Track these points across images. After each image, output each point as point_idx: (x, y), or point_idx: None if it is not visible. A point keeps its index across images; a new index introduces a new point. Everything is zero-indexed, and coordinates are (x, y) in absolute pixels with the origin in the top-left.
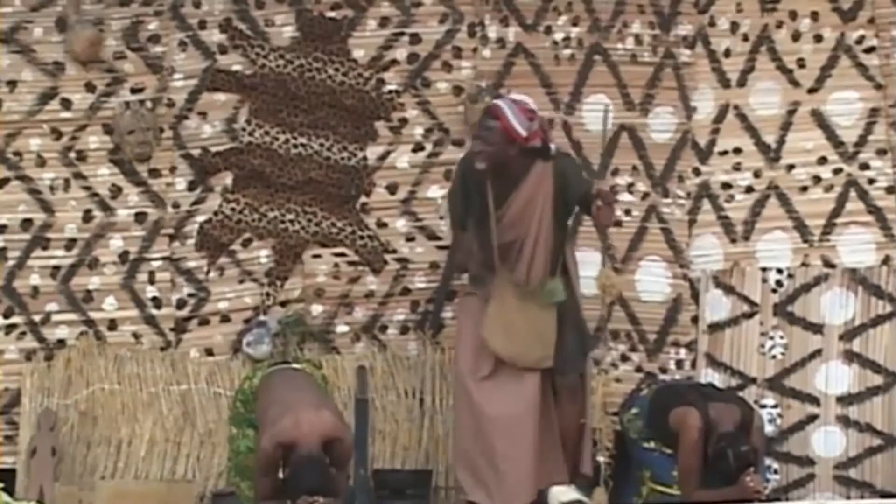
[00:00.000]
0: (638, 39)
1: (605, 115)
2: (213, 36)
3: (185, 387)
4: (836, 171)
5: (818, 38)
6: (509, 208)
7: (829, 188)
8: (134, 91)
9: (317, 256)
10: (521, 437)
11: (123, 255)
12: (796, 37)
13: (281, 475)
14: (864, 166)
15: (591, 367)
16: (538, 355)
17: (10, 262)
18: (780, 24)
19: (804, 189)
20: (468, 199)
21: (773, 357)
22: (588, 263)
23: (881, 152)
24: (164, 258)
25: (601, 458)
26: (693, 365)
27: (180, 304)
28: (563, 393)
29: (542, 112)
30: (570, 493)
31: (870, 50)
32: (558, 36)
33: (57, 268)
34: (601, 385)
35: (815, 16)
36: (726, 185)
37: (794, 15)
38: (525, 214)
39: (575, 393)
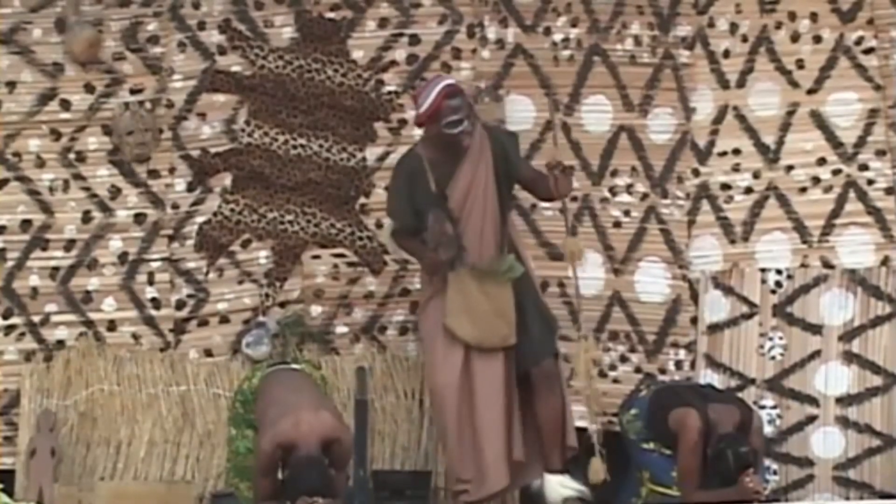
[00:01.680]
0: (637, 40)
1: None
2: (213, 37)
3: (185, 388)
4: (836, 172)
5: (817, 39)
6: (454, 191)
7: (828, 189)
8: (133, 92)
9: (316, 257)
10: (492, 419)
11: (123, 256)
12: (795, 38)
13: (280, 476)
14: (864, 167)
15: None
16: (503, 333)
17: (10, 263)
18: (779, 25)
19: (803, 190)
20: (414, 197)
21: (773, 358)
22: (589, 265)
23: (880, 153)
24: (163, 259)
25: (594, 427)
26: (692, 366)
27: (179, 305)
28: (540, 383)
29: (541, 113)
30: (569, 483)
31: (869, 51)
32: (557, 37)
33: (56, 269)
34: (583, 352)
35: (814, 17)
36: (725, 186)
37: (793, 16)
38: (470, 193)
39: (552, 379)
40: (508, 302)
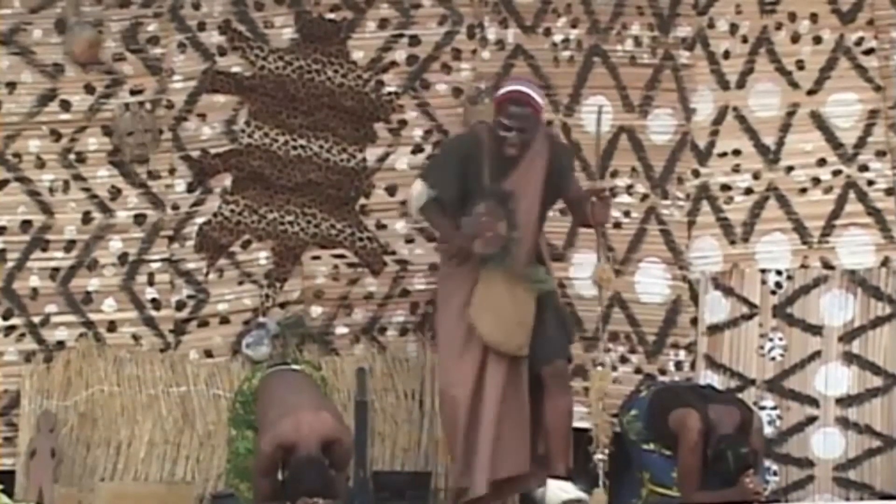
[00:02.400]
0: (637, 41)
1: (598, 116)
2: (213, 38)
3: (185, 388)
4: (836, 173)
5: (817, 40)
6: (511, 183)
7: (828, 190)
8: (133, 93)
9: (316, 258)
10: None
11: (123, 257)
12: (795, 38)
13: (280, 477)
14: (864, 168)
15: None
16: (519, 342)
17: (10, 264)
18: (779, 26)
19: (803, 191)
20: (465, 177)
21: (773, 358)
22: (583, 265)
23: (880, 154)
24: (163, 260)
25: (599, 457)
26: (692, 366)
27: (180, 306)
28: (551, 383)
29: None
30: (571, 489)
31: (869, 51)
32: (557, 38)
33: (56, 269)
34: (598, 380)
35: (814, 17)
36: (725, 187)
37: (793, 16)
38: (519, 191)
39: (564, 380)
40: (531, 313)
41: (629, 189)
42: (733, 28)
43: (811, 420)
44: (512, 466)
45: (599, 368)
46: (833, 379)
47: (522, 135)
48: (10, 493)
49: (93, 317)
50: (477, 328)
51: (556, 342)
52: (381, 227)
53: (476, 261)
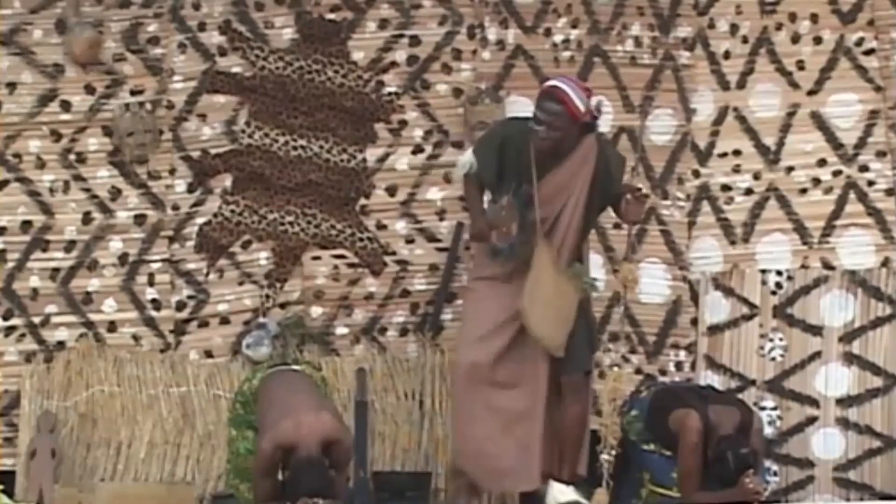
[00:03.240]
0: (637, 41)
1: (642, 116)
2: (213, 38)
3: (185, 389)
4: (836, 173)
5: (818, 40)
6: (547, 184)
7: (828, 190)
8: (133, 93)
9: (316, 258)
10: (530, 426)
11: (123, 257)
12: (796, 39)
13: (280, 477)
14: (864, 168)
15: (595, 367)
16: (560, 341)
17: (10, 264)
18: (779, 26)
19: (804, 191)
20: (504, 165)
21: (773, 359)
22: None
23: (881, 154)
24: (163, 260)
25: (605, 457)
26: (692, 367)
27: (180, 306)
28: (567, 392)
29: None
30: (569, 493)
31: (869, 52)
32: (558, 38)
33: (56, 270)
34: (612, 380)
35: (814, 18)
36: (726, 187)
37: (793, 17)
38: (562, 192)
39: (580, 392)
40: (572, 314)
41: None
42: (734, 28)
43: (811, 420)
44: (511, 482)
45: (616, 369)
46: (833, 379)
47: (552, 131)
48: (10, 493)
49: (93, 317)
50: (525, 316)
51: (580, 353)
52: (381, 227)
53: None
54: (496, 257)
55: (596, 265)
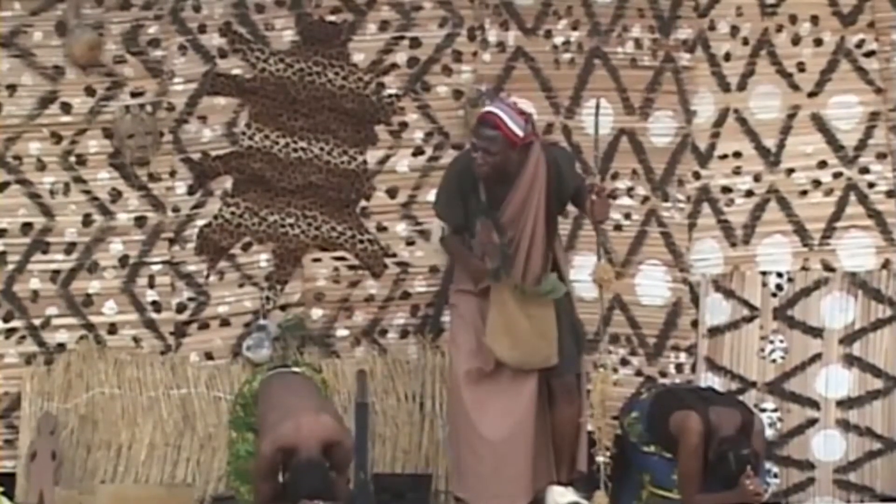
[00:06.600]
0: (638, 43)
1: (596, 111)
2: (213, 40)
3: (185, 391)
4: (836, 175)
5: (818, 42)
6: (507, 208)
7: (828, 192)
8: (134, 95)
9: (317, 260)
10: (520, 440)
11: (123, 259)
12: (796, 41)
13: (281, 479)
14: (864, 170)
15: (586, 367)
16: (544, 354)
17: (10, 266)
18: (780, 28)
19: (804, 193)
20: (466, 200)
21: (773, 361)
22: (583, 267)
23: (881, 156)
24: (163, 262)
25: (601, 459)
26: (693, 369)
27: (180, 308)
28: (559, 394)
29: (542, 116)
30: (569, 494)
31: (870, 54)
32: (558, 40)
33: (57, 272)
34: (600, 382)
35: (815, 20)
36: (726, 189)
37: (794, 19)
38: (522, 213)
39: (571, 394)
40: (551, 323)
41: (630, 191)
42: (734, 30)
43: (812, 422)
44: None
45: (601, 370)
46: (834, 381)
47: (489, 157)
48: (10, 495)
49: (93, 319)
50: (496, 353)
51: (568, 356)
52: (381, 229)
53: (492, 278)
54: (500, 279)
55: (586, 267)
